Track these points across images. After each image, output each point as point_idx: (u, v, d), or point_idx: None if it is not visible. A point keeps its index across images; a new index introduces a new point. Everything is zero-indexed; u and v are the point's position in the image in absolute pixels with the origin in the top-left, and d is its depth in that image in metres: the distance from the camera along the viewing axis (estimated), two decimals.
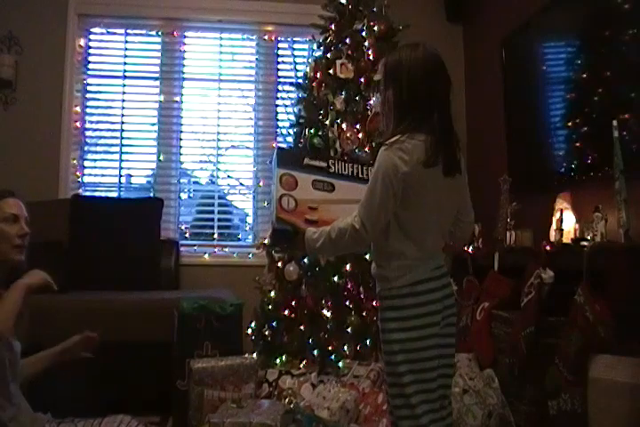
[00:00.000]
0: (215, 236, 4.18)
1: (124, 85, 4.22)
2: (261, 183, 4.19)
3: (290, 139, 3.52)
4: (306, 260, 3.05)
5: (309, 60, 3.55)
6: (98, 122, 4.20)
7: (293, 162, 1.87)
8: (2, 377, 1.79)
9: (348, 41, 3.25)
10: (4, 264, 1.91)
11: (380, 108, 1.79)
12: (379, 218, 1.62)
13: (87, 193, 4.03)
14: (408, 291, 1.63)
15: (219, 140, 4.28)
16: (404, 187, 1.60)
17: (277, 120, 4.29)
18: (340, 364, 2.84)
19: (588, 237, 2.45)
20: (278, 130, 4.26)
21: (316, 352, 2.95)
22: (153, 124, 4.22)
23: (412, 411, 1.61)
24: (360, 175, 1.91)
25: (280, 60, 4.33)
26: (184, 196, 4.28)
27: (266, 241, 3.25)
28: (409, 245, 1.64)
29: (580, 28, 2.83)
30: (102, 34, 4.22)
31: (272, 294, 3.11)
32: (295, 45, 4.33)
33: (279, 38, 4.32)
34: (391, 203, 1.61)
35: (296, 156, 2.02)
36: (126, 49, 4.25)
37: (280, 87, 4.28)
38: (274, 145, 4.21)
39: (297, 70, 4.16)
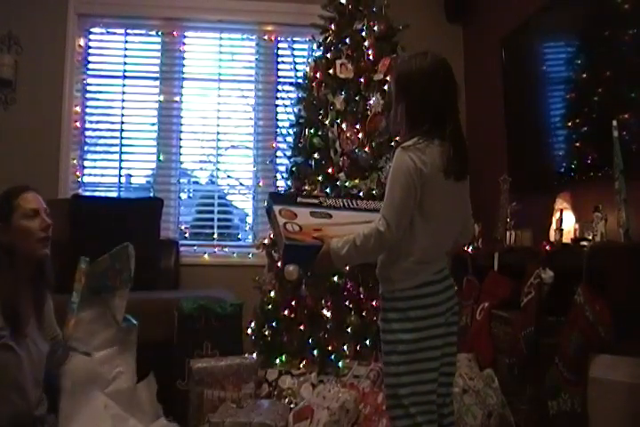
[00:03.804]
0: (215, 236, 4.18)
1: (124, 85, 4.21)
2: (261, 183, 4.19)
3: (290, 139, 3.52)
4: None
5: (309, 60, 3.55)
6: (98, 122, 4.20)
7: (287, 201, 1.93)
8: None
9: (347, 41, 3.25)
10: (29, 260, 1.94)
11: (392, 119, 1.81)
12: (402, 216, 1.62)
13: (87, 193, 4.03)
14: (411, 293, 1.65)
15: (218, 140, 4.27)
16: (421, 186, 1.62)
17: (277, 120, 4.29)
18: (340, 364, 2.84)
19: (588, 237, 2.45)
20: (278, 130, 4.25)
21: (315, 352, 2.95)
22: (153, 124, 4.22)
23: (405, 411, 1.63)
24: (352, 206, 1.96)
25: (280, 59, 4.33)
26: (184, 196, 4.28)
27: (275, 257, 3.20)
28: (418, 247, 1.66)
29: (580, 28, 2.82)
30: (102, 34, 4.21)
31: (272, 293, 3.11)
32: (295, 45, 4.33)
33: (279, 38, 4.32)
34: (411, 201, 1.62)
35: (288, 196, 2.13)
36: (126, 49, 4.25)
37: (280, 87, 4.28)
38: (274, 145, 4.22)
39: (297, 70, 4.15)
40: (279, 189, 3.80)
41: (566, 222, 2.68)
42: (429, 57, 1.70)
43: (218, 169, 4.29)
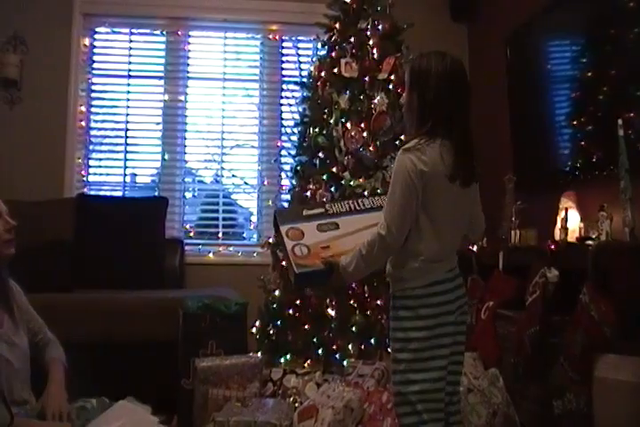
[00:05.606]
0: (220, 235, 4.19)
1: (129, 85, 4.23)
2: (266, 182, 4.20)
3: (294, 138, 3.52)
4: None
5: (314, 59, 3.56)
6: (103, 121, 4.22)
7: (293, 217, 1.92)
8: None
9: (352, 40, 3.24)
10: None
11: (405, 108, 1.82)
12: (404, 219, 1.62)
13: (92, 192, 4.05)
14: (422, 292, 1.65)
15: (223, 139, 4.28)
16: (423, 186, 1.61)
17: (282, 119, 4.29)
18: (345, 363, 2.84)
19: (593, 236, 2.44)
20: (283, 129, 4.26)
21: (320, 351, 2.95)
22: (158, 124, 4.23)
23: (412, 408, 1.63)
24: (358, 208, 1.96)
25: (284, 59, 4.34)
26: (189, 195, 4.29)
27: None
28: (425, 246, 1.65)
29: (585, 27, 2.82)
30: (107, 33, 4.23)
31: (276, 293, 3.12)
32: (300, 44, 4.34)
33: (284, 37, 4.33)
34: (413, 202, 1.62)
35: (293, 211, 2.12)
36: (131, 48, 4.27)
37: (284, 86, 4.29)
38: (278, 144, 4.22)
39: (301, 69, 4.17)
40: (284, 201, 3.76)
41: (571, 221, 2.68)
42: (447, 59, 1.71)
43: (223, 168, 4.30)
